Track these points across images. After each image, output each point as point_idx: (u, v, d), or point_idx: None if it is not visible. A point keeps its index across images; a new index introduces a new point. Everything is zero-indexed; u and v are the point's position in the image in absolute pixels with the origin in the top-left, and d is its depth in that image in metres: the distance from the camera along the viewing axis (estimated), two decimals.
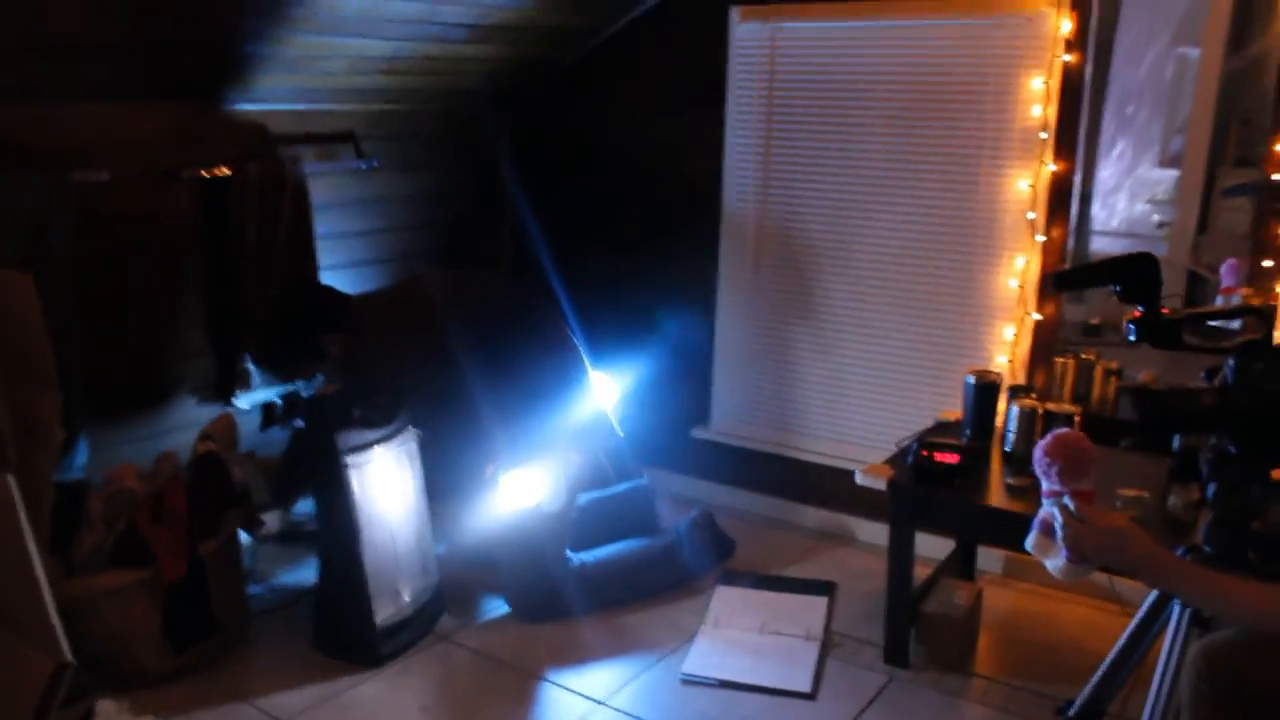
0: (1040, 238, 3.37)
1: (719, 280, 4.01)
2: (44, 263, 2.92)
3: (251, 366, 3.52)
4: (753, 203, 3.89)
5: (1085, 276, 2.67)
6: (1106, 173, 3.52)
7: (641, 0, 3.95)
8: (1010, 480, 2.94)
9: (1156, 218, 3.86)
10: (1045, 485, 2.16)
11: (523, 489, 3.27)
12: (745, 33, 3.79)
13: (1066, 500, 2.09)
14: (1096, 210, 3.53)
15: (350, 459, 2.92)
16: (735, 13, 3.78)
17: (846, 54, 3.63)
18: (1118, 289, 2.28)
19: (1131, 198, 3.84)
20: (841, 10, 3.59)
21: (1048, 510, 2.16)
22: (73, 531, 2.88)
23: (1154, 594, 2.35)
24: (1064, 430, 2.18)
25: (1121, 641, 2.49)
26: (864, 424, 3.82)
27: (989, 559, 3.61)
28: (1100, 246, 3.51)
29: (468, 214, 4.38)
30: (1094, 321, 3.56)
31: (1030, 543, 2.24)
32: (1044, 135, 3.31)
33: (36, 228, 2.93)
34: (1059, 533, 2.10)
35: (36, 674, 2.38)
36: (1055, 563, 2.16)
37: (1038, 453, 2.13)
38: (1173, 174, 3.50)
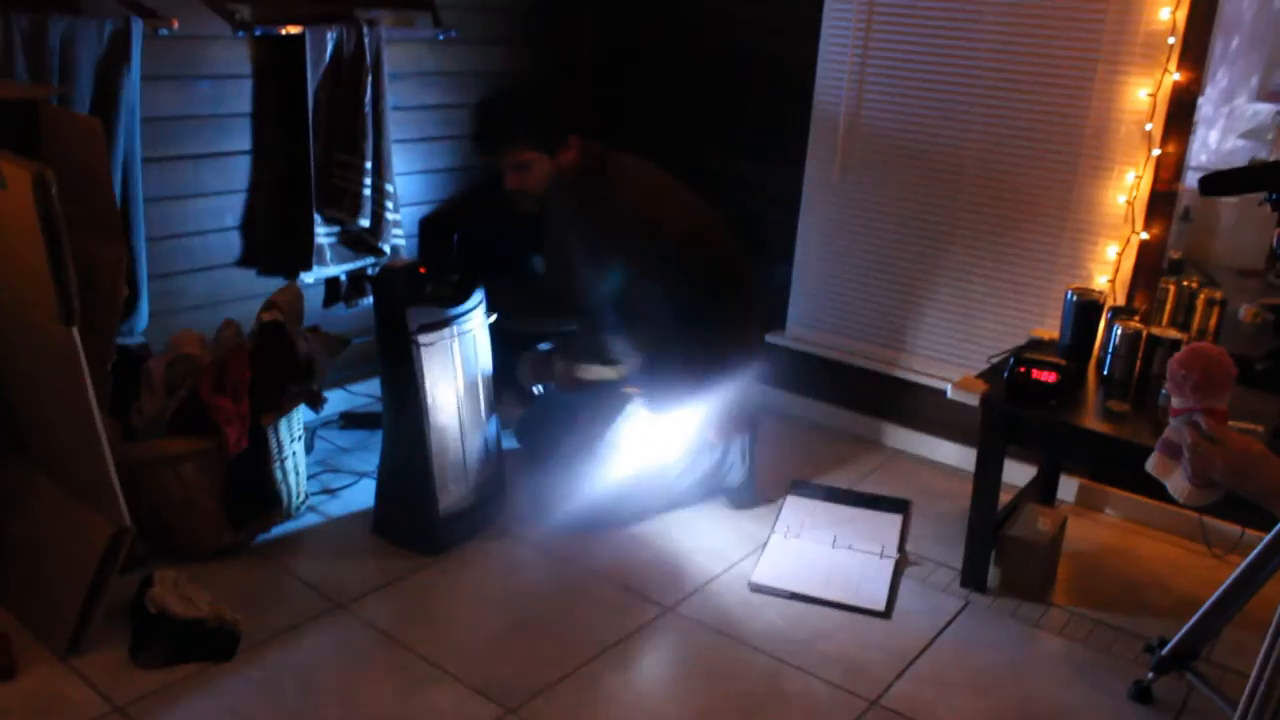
0: (1156, 151, 3.16)
1: (804, 178, 3.82)
2: (113, 110, 2.81)
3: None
4: (846, 99, 3.68)
5: (1238, 180, 2.47)
6: (1203, 100, 3.28)
7: None
8: (1109, 404, 2.79)
9: (1250, 155, 3.66)
10: (1175, 401, 2.01)
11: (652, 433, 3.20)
12: None
13: (1198, 418, 1.95)
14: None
15: (420, 337, 2.79)
16: None
17: None
18: (1274, 196, 2.11)
19: (1225, 131, 3.63)
20: None
21: (1175, 428, 2.01)
22: (132, 395, 2.80)
23: (1271, 535, 2.22)
24: (1201, 344, 2.02)
25: (1227, 584, 2.36)
26: (950, 339, 3.66)
27: (1067, 488, 3.47)
28: (1190, 182, 3.30)
29: (545, 93, 4.19)
30: (1175, 255, 3.38)
31: (1151, 463, 2.10)
32: (1171, 40, 3.08)
33: (105, 74, 2.79)
34: (1186, 453, 1.96)
35: (96, 537, 2.31)
36: (1178, 484, 2.02)
37: (1172, 366, 1.98)
38: (1271, 108, 3.28)
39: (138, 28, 2.84)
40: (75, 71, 2.74)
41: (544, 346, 3.36)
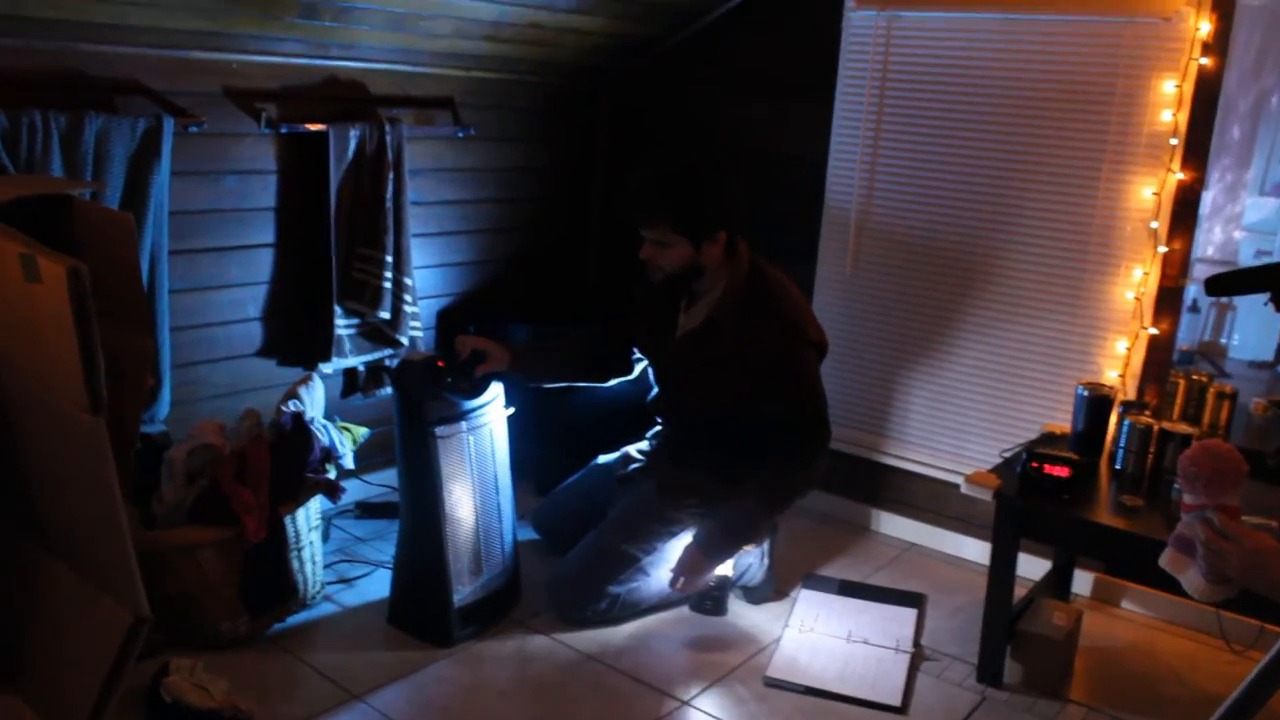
0: (1163, 249, 3.22)
1: (815, 275, 3.88)
2: (143, 204, 2.88)
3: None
4: (857, 197, 3.75)
5: (1242, 281, 2.51)
6: (1208, 195, 3.35)
7: None
8: (1122, 498, 2.81)
9: (1255, 247, 3.72)
10: (1188, 498, 2.02)
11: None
12: (859, 20, 3.66)
13: (1210, 515, 1.96)
14: None
15: (438, 430, 2.82)
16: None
17: (965, 48, 3.48)
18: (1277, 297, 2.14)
19: (1227, 223, 3.70)
20: (962, 2, 3.45)
21: (1188, 524, 2.02)
22: (152, 483, 2.82)
23: None
24: (1212, 440, 2.04)
25: (1247, 681, 2.34)
26: (960, 433, 3.68)
27: (1082, 582, 3.46)
28: (1198, 274, 3.35)
29: (560, 189, 4.29)
30: (1185, 348, 3.42)
31: (1165, 559, 2.11)
32: (1174, 141, 3.16)
33: (137, 169, 2.87)
34: (1200, 549, 1.97)
35: (116, 625, 2.31)
36: (1193, 580, 2.03)
37: (1183, 462, 2.00)
38: (1274, 202, 3.34)
39: (169, 125, 2.93)
40: (108, 167, 2.82)
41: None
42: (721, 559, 3.11)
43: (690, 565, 3.06)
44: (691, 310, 3.10)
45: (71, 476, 2.35)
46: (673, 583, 3.08)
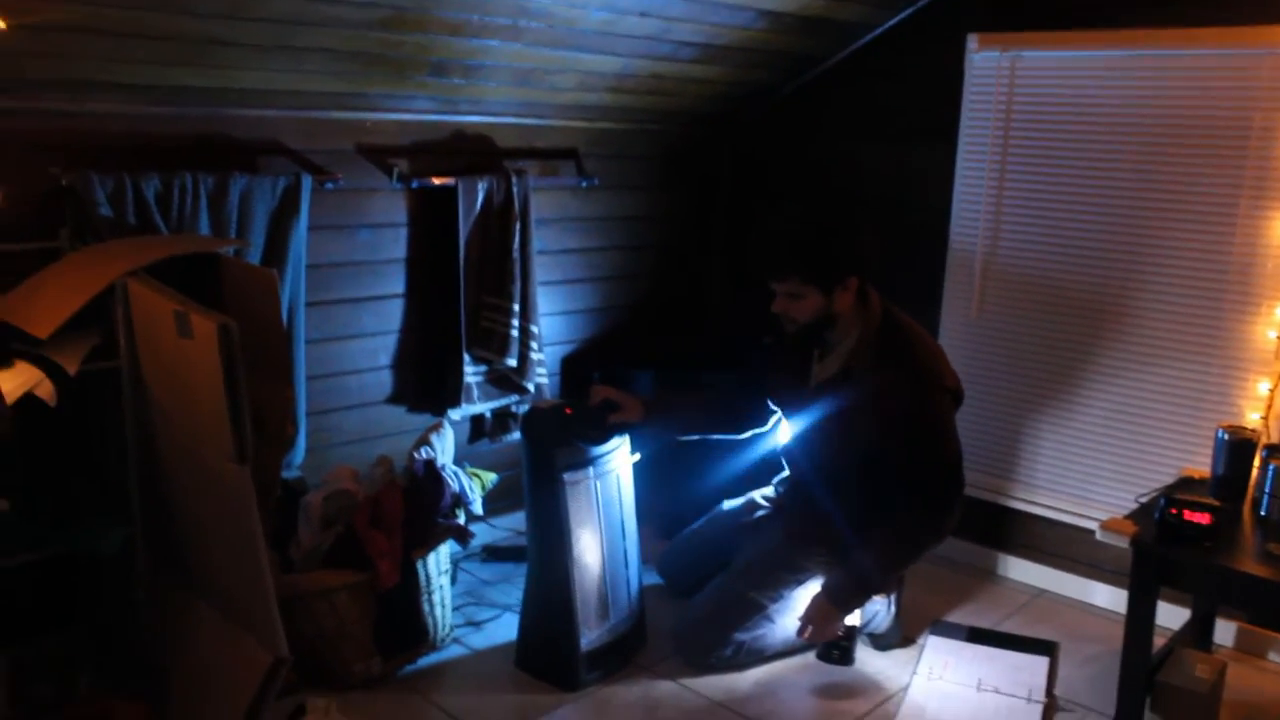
0: None
1: (941, 318, 3.84)
2: (283, 258, 3.01)
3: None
4: (982, 239, 3.71)
5: None
6: None
7: (872, 27, 3.84)
8: (1269, 546, 2.70)
9: None
10: None
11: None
12: (982, 61, 3.64)
13: None
14: None
15: (566, 476, 2.87)
16: (973, 40, 3.63)
17: (1092, 85, 3.43)
18: None
19: None
20: (1088, 39, 3.40)
21: None
22: (289, 527, 2.92)
23: None
24: None
25: None
26: (1091, 477, 3.58)
27: (1224, 632, 3.33)
28: None
29: (682, 236, 4.33)
30: None
31: None
32: None
33: (276, 226, 3.00)
34: None
35: (256, 666, 2.40)
36: None
37: None
38: None
39: (307, 183, 3.06)
40: (251, 224, 2.96)
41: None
42: (851, 609, 3.08)
43: (819, 615, 3.04)
44: (826, 360, 3.09)
45: (217, 522, 2.45)
46: (800, 632, 3.06)
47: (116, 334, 2.53)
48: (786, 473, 3.38)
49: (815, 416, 3.11)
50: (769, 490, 3.45)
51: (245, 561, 2.38)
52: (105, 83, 2.70)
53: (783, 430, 3.32)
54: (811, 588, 3.10)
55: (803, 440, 3.19)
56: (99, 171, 2.67)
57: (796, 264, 2.91)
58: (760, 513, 3.40)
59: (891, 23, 3.82)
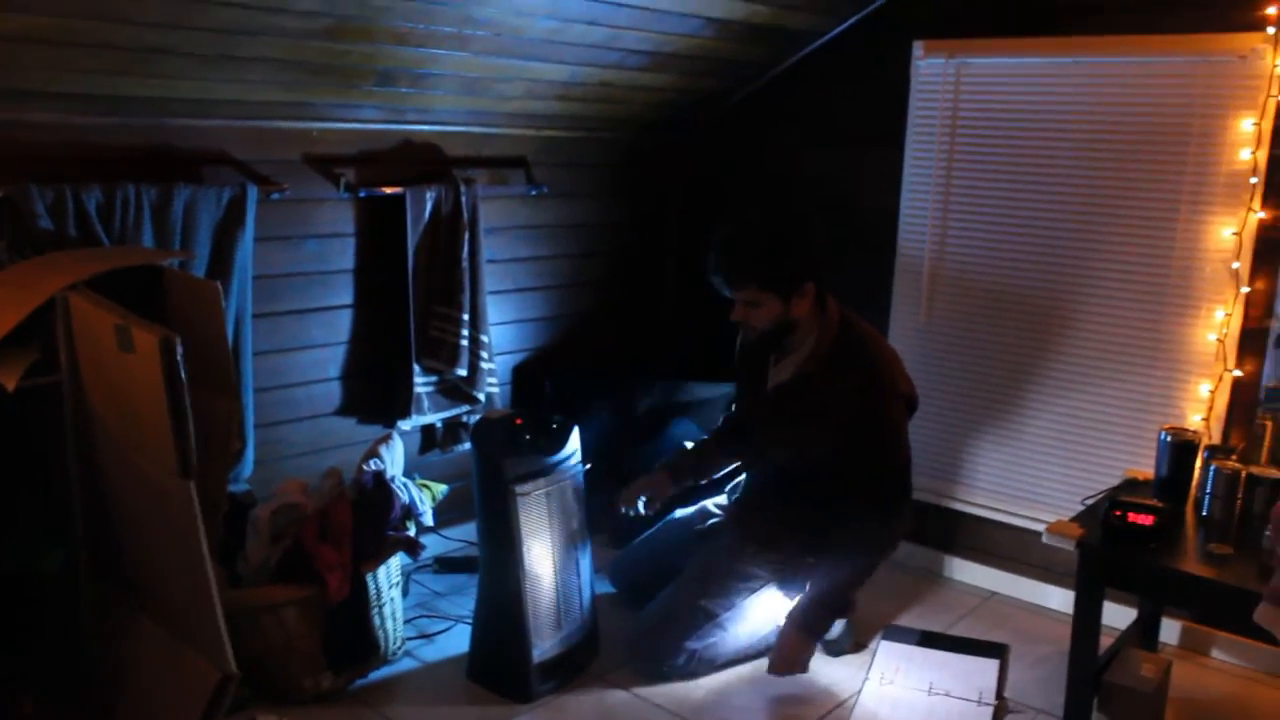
0: (1245, 289, 3.16)
1: (889, 324, 3.87)
2: (228, 270, 2.98)
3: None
4: (930, 245, 3.75)
5: None
6: None
7: (819, 35, 3.87)
8: (1210, 546, 2.74)
9: None
10: None
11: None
12: (927, 68, 3.67)
13: None
14: None
15: (517, 487, 2.86)
16: (918, 47, 3.66)
17: (1035, 91, 3.47)
18: None
19: None
20: (1032, 46, 3.45)
21: None
22: (237, 541, 2.89)
23: None
24: None
25: None
26: (1040, 480, 3.63)
27: (1169, 630, 3.38)
28: None
29: (632, 244, 4.33)
30: (1273, 385, 3.33)
31: (1260, 614, 2.07)
32: (1254, 180, 3.11)
33: (222, 237, 2.97)
34: None
35: (203, 683, 2.37)
36: None
37: (1275, 515, 1.97)
38: None
39: (252, 193, 3.03)
40: (195, 236, 2.92)
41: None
42: (821, 635, 3.08)
43: (790, 649, 3.02)
44: (781, 364, 3.11)
45: (162, 538, 2.42)
46: (773, 669, 3.04)
47: (57, 348, 2.49)
48: (742, 479, 3.39)
49: (770, 420, 3.12)
50: (722, 499, 3.46)
51: (191, 578, 2.35)
52: (44, 93, 2.65)
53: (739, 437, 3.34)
54: (764, 596, 3.11)
55: (759, 443, 3.20)
56: (38, 183, 2.63)
57: (753, 272, 2.93)
58: (713, 521, 3.40)
59: (838, 30, 3.85)
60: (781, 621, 3.09)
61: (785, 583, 3.12)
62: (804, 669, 3.05)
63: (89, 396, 2.49)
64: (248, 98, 3.00)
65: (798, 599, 3.07)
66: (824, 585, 3.02)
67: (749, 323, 3.02)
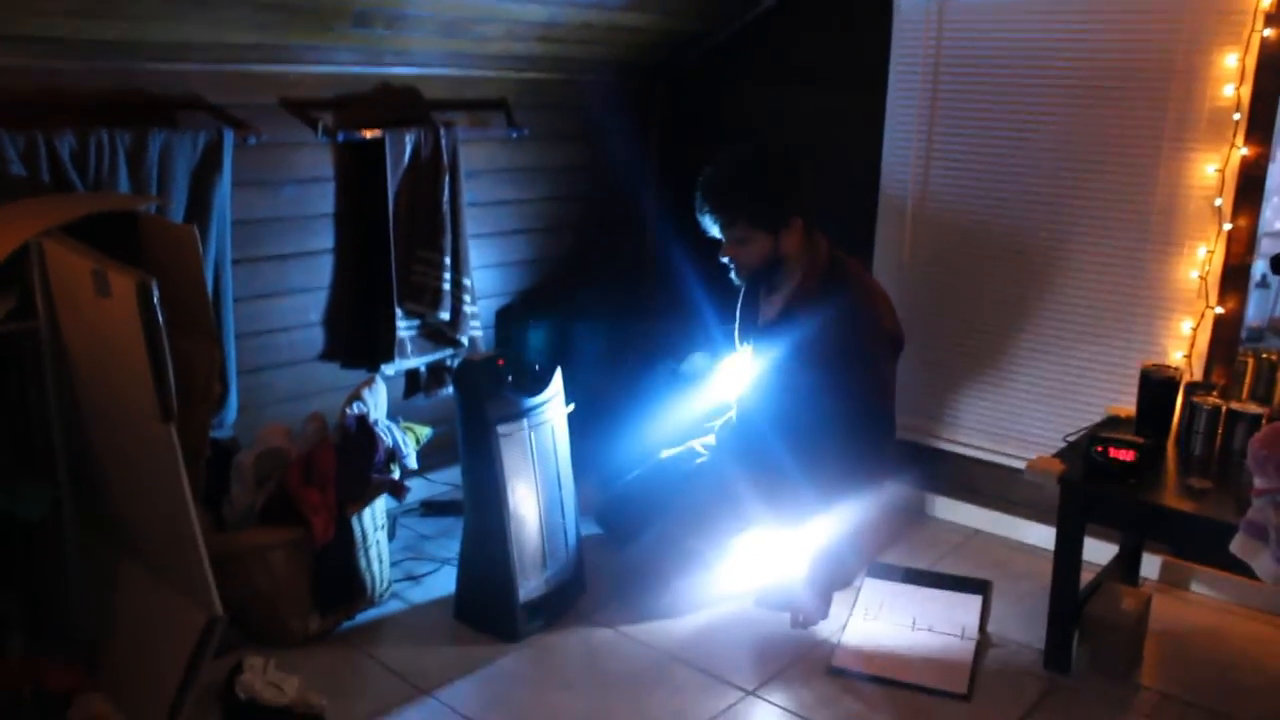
0: (1227, 226, 3.16)
1: (873, 265, 3.86)
2: (206, 215, 2.95)
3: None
4: (913, 185, 3.74)
5: None
6: (1275, 167, 3.26)
7: None
8: (1190, 481, 2.76)
9: None
10: (1258, 482, 2.00)
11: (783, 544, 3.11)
12: (910, 6, 3.64)
13: None
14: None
15: (500, 428, 2.86)
16: None
17: (1018, 29, 3.44)
18: None
19: None
20: None
21: (1259, 509, 2.00)
22: (222, 487, 2.89)
23: None
24: None
25: None
26: (1024, 418, 3.65)
27: (1150, 566, 3.41)
28: (1266, 248, 3.28)
29: (615, 186, 4.31)
30: (1255, 325, 3.35)
31: (1236, 545, 2.09)
32: (1236, 116, 3.10)
33: (199, 182, 2.94)
34: (1273, 534, 1.95)
35: (190, 625, 2.38)
36: (1266, 566, 2.01)
37: (1253, 446, 1.98)
38: None
39: (229, 138, 2.99)
40: (171, 181, 2.89)
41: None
42: (829, 587, 3.09)
43: (804, 602, 3.03)
44: (770, 299, 3.12)
45: (145, 483, 2.42)
46: (795, 623, 3.04)
47: (33, 294, 2.47)
48: (729, 416, 3.40)
49: (762, 356, 3.13)
50: (708, 438, 3.47)
51: (175, 521, 2.36)
52: (11, 36, 2.60)
53: (727, 376, 3.34)
54: (750, 534, 3.13)
55: (751, 381, 3.22)
56: (9, 129, 2.59)
57: (742, 208, 2.95)
58: (699, 459, 3.42)
59: None
60: (767, 559, 3.12)
61: (773, 520, 3.14)
62: (818, 620, 3.05)
63: (68, 342, 2.47)
64: (221, 40, 2.96)
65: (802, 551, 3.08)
66: (820, 532, 3.03)
67: (739, 260, 3.03)
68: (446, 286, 3.53)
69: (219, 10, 2.80)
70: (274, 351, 3.37)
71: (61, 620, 2.72)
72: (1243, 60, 3.07)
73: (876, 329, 3.01)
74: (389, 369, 3.54)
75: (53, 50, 2.72)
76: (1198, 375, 3.27)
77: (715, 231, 3.02)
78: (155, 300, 2.11)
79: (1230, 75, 3.09)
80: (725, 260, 3.07)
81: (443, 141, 3.48)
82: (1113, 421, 3.15)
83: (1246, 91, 3.08)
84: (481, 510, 2.93)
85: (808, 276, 3.03)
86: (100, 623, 2.67)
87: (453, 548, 3.32)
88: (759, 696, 2.76)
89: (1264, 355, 3.09)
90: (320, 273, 3.43)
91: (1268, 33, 3.01)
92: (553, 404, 3.05)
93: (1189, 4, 3.14)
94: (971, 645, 2.98)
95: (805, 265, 3.04)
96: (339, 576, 2.93)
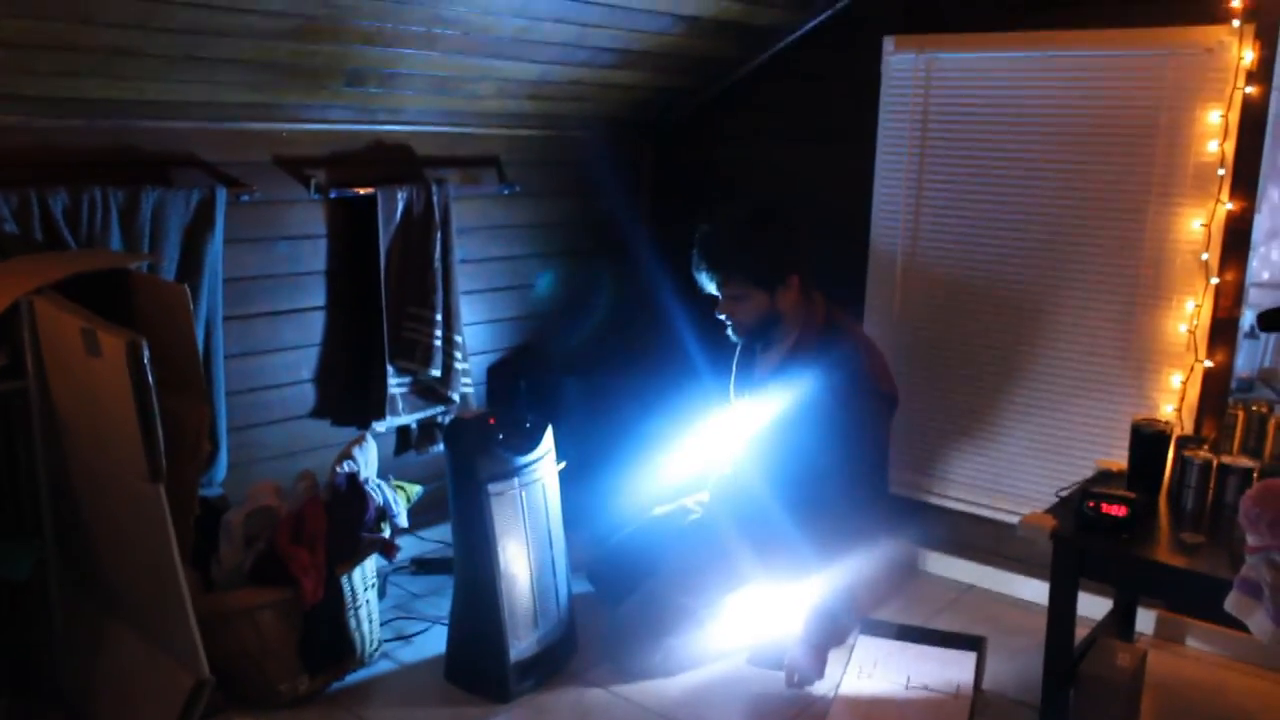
0: (1214, 280, 3.18)
1: (864, 319, 3.87)
2: (198, 273, 2.96)
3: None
4: (902, 240, 3.76)
5: None
6: (1261, 219, 3.29)
7: (790, 30, 3.87)
8: (1183, 535, 2.75)
9: None
10: (1251, 539, 2.00)
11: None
12: (898, 63, 3.68)
13: (1276, 557, 1.93)
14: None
15: (491, 486, 2.85)
16: (889, 42, 3.67)
17: (1006, 87, 3.48)
18: None
19: None
20: (1001, 41, 3.46)
21: (1253, 566, 2.00)
22: (211, 546, 2.87)
23: None
24: (1274, 480, 2.02)
25: None
26: (1016, 473, 3.64)
27: (1144, 619, 3.40)
28: (1255, 299, 3.30)
29: (607, 242, 4.33)
30: (1244, 375, 3.36)
31: (1230, 602, 2.08)
32: (1221, 172, 3.13)
33: (191, 240, 2.95)
34: (1267, 592, 1.94)
35: (177, 688, 2.36)
36: (1261, 624, 2.00)
37: (1245, 504, 1.98)
38: None
39: (221, 196, 3.01)
40: (164, 239, 2.91)
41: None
42: (826, 645, 3.05)
43: (800, 662, 3.01)
44: (766, 355, 3.13)
45: (133, 542, 2.41)
46: (788, 684, 3.02)
47: (23, 353, 2.47)
48: (722, 473, 3.39)
49: (757, 413, 3.13)
50: (700, 495, 3.46)
51: (162, 582, 2.34)
52: (7, 95, 2.63)
53: (721, 432, 3.34)
54: (744, 592, 3.11)
55: (746, 438, 3.21)
56: (2, 187, 2.61)
57: (739, 265, 2.96)
58: (692, 517, 3.40)
59: (809, 26, 3.85)
60: (760, 617, 3.10)
61: (768, 577, 3.12)
62: (814, 680, 3.02)
63: (57, 401, 2.47)
64: (215, 99, 2.98)
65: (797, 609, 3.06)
66: (814, 590, 3.01)
67: (735, 317, 3.04)
68: (438, 343, 3.54)
69: (214, 70, 2.82)
70: (265, 408, 3.36)
71: (47, 681, 2.70)
72: (1226, 116, 3.10)
73: (873, 387, 3.01)
74: (380, 426, 3.53)
75: (47, 109, 2.74)
76: (1188, 429, 3.27)
77: (712, 289, 3.03)
78: (146, 360, 2.11)
79: (1214, 131, 3.13)
80: (722, 317, 3.07)
81: (434, 198, 3.50)
82: (1104, 476, 3.14)
83: (1230, 147, 3.11)
84: (472, 569, 2.90)
85: (804, 333, 3.04)
86: (86, 683, 2.64)
87: (444, 606, 3.29)
88: None
89: (1254, 407, 3.10)
90: (312, 329, 3.43)
91: (1249, 89, 3.05)
92: (544, 462, 3.04)
93: (1172, 61, 3.17)
94: (967, 704, 2.95)
95: (802, 322, 3.05)
96: (328, 637, 2.90)
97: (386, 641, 3.20)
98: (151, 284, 2.67)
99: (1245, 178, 3.11)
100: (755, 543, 3.10)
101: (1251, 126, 3.08)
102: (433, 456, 3.75)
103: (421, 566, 3.69)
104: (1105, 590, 3.33)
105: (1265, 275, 3.34)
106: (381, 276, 3.44)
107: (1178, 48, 3.16)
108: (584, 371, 3.95)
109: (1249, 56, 3.04)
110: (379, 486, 3.07)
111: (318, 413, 3.50)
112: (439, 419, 3.70)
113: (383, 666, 3.10)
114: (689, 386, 3.76)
